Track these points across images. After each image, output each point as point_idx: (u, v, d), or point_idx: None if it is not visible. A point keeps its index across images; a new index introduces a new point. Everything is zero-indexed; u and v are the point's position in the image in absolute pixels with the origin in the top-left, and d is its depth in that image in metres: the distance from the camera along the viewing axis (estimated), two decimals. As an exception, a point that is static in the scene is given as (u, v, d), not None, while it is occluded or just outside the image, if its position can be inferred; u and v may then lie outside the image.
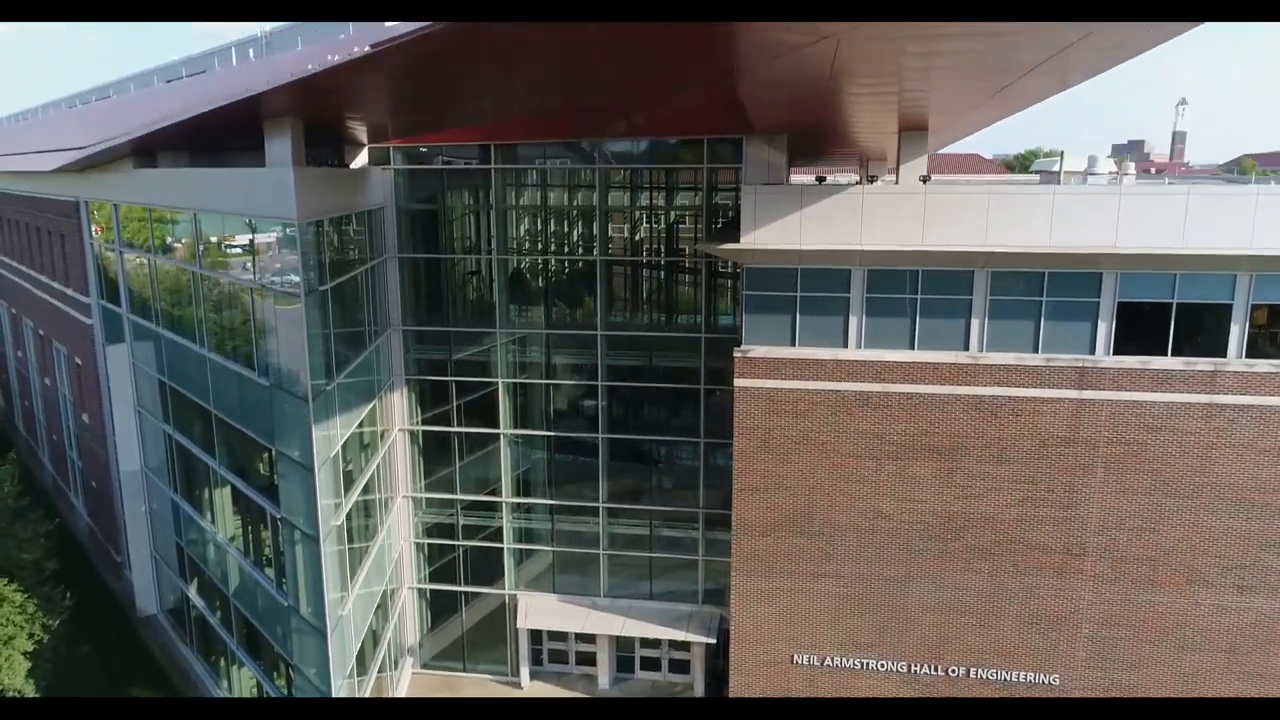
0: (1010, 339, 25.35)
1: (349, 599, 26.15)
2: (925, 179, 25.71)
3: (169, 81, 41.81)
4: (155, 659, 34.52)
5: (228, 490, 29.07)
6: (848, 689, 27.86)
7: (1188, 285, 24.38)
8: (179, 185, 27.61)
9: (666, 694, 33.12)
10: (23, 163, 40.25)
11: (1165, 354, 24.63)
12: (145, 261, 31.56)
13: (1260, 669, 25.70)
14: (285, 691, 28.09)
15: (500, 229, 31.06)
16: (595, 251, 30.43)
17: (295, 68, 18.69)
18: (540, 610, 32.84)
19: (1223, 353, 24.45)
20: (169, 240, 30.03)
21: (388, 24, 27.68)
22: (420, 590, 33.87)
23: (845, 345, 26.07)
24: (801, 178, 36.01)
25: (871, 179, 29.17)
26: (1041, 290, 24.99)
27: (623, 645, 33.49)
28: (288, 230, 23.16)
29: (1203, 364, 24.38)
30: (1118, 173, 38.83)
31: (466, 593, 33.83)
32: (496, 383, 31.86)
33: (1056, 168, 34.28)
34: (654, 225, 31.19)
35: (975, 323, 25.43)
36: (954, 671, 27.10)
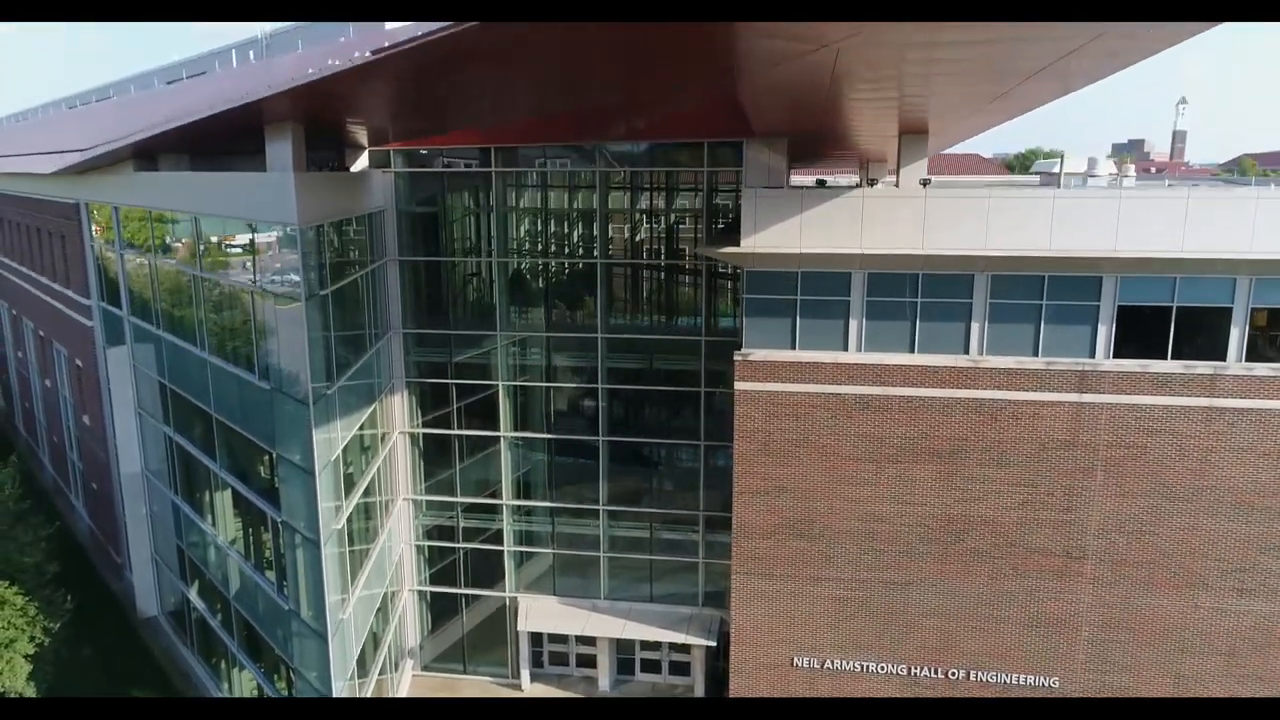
0: (1010, 342, 25.38)
1: (349, 602, 26.18)
2: (925, 182, 25.73)
3: (169, 83, 41.84)
4: (156, 661, 34.55)
5: (228, 493, 29.10)
6: (848, 692, 27.89)
7: (1187, 289, 24.42)
8: (180, 189, 27.63)
9: (667, 696, 33.15)
10: (23, 164, 40.25)
11: (1165, 357, 24.68)
12: (146, 264, 31.58)
13: (1259, 672, 25.74)
14: (286, 694, 28.13)
15: (500, 231, 31.09)
16: (595, 254, 30.45)
17: (296, 72, 18.70)
18: (541, 612, 32.87)
19: (1222, 356, 24.49)
20: (169, 240, 30.06)
21: (388, 25, 27.66)
22: (421, 592, 33.90)
23: (845, 348, 26.10)
24: (801, 179, 36.04)
25: (872, 182, 29.17)
26: (1041, 294, 25.02)
27: (623, 647, 33.52)
28: (288, 229, 23.17)
29: (1202, 367, 24.42)
30: (1118, 175, 38.76)
31: (467, 595, 33.86)
32: (497, 385, 31.89)
33: (1056, 169, 34.23)
34: (654, 227, 31.20)
35: (975, 326, 25.47)
36: (954, 674, 27.14)
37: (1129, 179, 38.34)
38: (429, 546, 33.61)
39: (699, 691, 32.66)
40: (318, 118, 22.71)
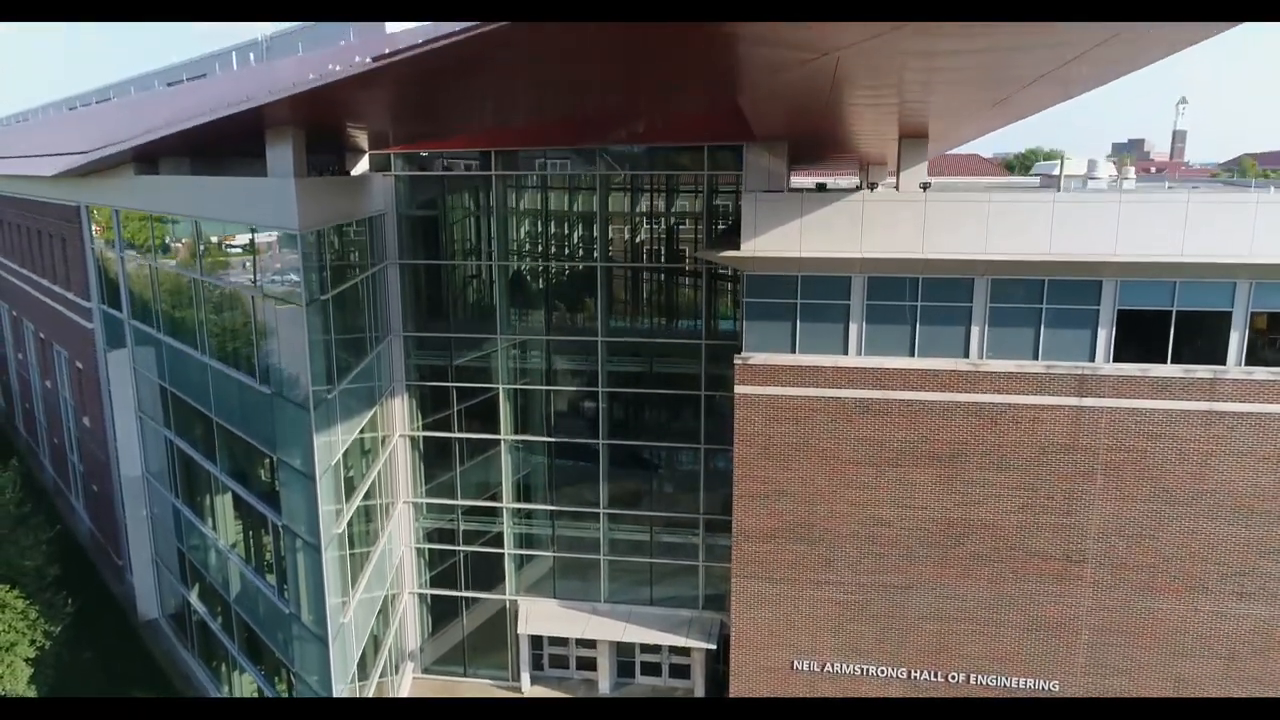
0: (1010, 346, 25.40)
1: (350, 606, 26.20)
2: (925, 186, 25.74)
3: (169, 85, 41.82)
4: (157, 664, 34.58)
5: (229, 496, 29.12)
6: (848, 695, 27.90)
7: (1187, 293, 24.44)
8: (180, 193, 27.66)
9: (666, 697, 33.17)
10: (24, 166, 40.30)
11: (1165, 361, 24.70)
12: (146, 267, 31.60)
13: (1259, 675, 25.75)
14: (287, 697, 28.14)
15: (501, 235, 31.11)
16: (596, 257, 30.47)
17: (297, 77, 18.71)
18: (541, 615, 32.89)
19: (1222, 360, 24.51)
20: (168, 241, 30.09)
21: (388, 29, 27.69)
22: (421, 595, 33.92)
23: (845, 352, 26.12)
24: (801, 180, 36.06)
25: (872, 186, 29.16)
26: (1041, 297, 25.04)
27: (623, 650, 33.54)
28: (289, 233, 23.18)
29: (1202, 371, 24.43)
30: (1118, 177, 38.78)
31: (467, 598, 33.88)
32: (497, 388, 31.91)
33: (1056, 171, 34.25)
34: (654, 230, 31.22)
35: (975, 330, 25.49)
36: (954, 678, 27.16)
37: (1129, 181, 38.38)
38: (429, 549, 33.63)
39: (699, 694, 32.68)
40: (318, 122, 22.72)
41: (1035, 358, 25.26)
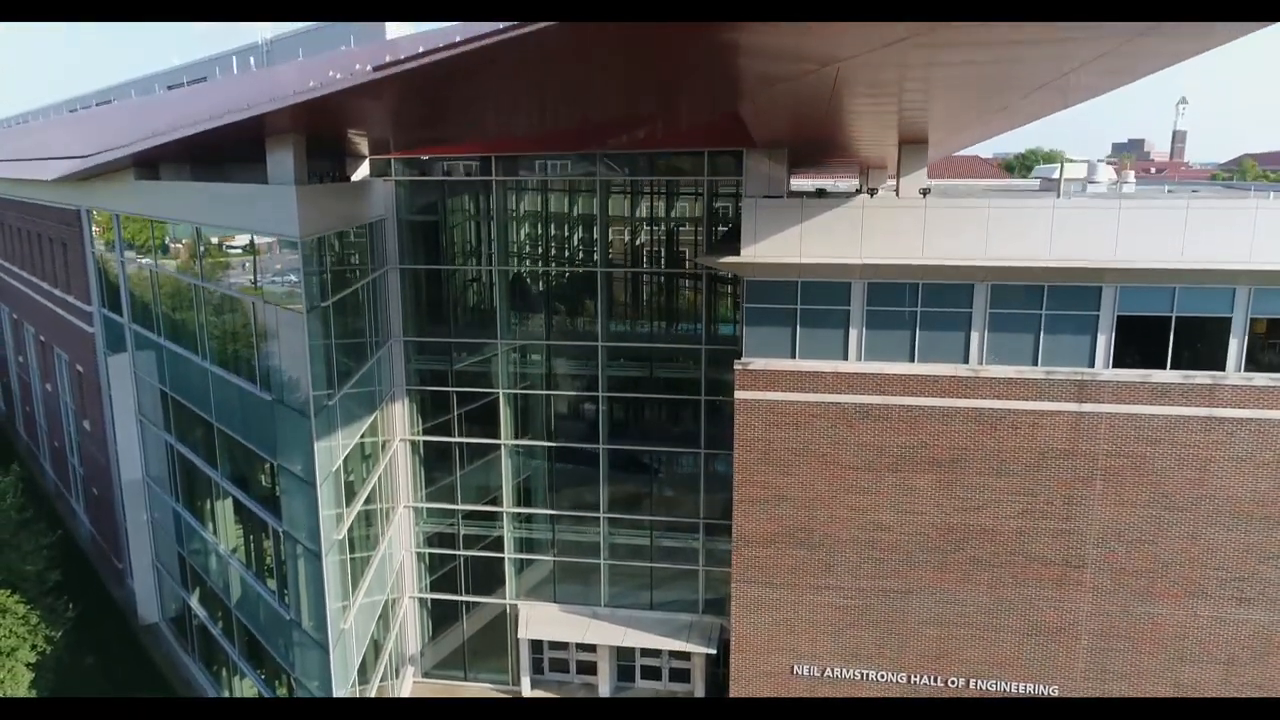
0: (1010, 352, 25.42)
1: (351, 611, 26.23)
2: (925, 191, 25.78)
3: (170, 87, 41.87)
4: (157, 668, 34.62)
5: (229, 502, 29.15)
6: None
7: (1187, 298, 24.45)
8: (181, 198, 27.68)
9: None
10: (24, 170, 40.30)
11: (1164, 367, 24.71)
12: (147, 272, 31.64)
13: (1258, 681, 25.78)
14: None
15: (501, 239, 31.14)
16: (596, 262, 30.50)
17: (298, 84, 18.74)
18: (541, 620, 32.92)
19: (1221, 366, 24.52)
20: (168, 241, 30.14)
21: (388, 34, 27.66)
22: (421, 599, 33.96)
23: (845, 358, 26.14)
24: (801, 182, 36.09)
25: (872, 191, 29.17)
26: (1041, 303, 25.05)
27: (623, 654, 33.56)
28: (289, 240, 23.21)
29: (1201, 377, 24.45)
30: (1118, 181, 38.84)
31: (467, 602, 33.92)
32: (497, 393, 31.94)
33: (1056, 174, 34.28)
34: (654, 234, 31.25)
35: (975, 335, 25.50)
36: (954, 683, 27.19)
37: (1129, 185, 38.43)
38: (429, 554, 33.66)
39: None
40: (319, 130, 22.74)
41: (1035, 363, 25.28)
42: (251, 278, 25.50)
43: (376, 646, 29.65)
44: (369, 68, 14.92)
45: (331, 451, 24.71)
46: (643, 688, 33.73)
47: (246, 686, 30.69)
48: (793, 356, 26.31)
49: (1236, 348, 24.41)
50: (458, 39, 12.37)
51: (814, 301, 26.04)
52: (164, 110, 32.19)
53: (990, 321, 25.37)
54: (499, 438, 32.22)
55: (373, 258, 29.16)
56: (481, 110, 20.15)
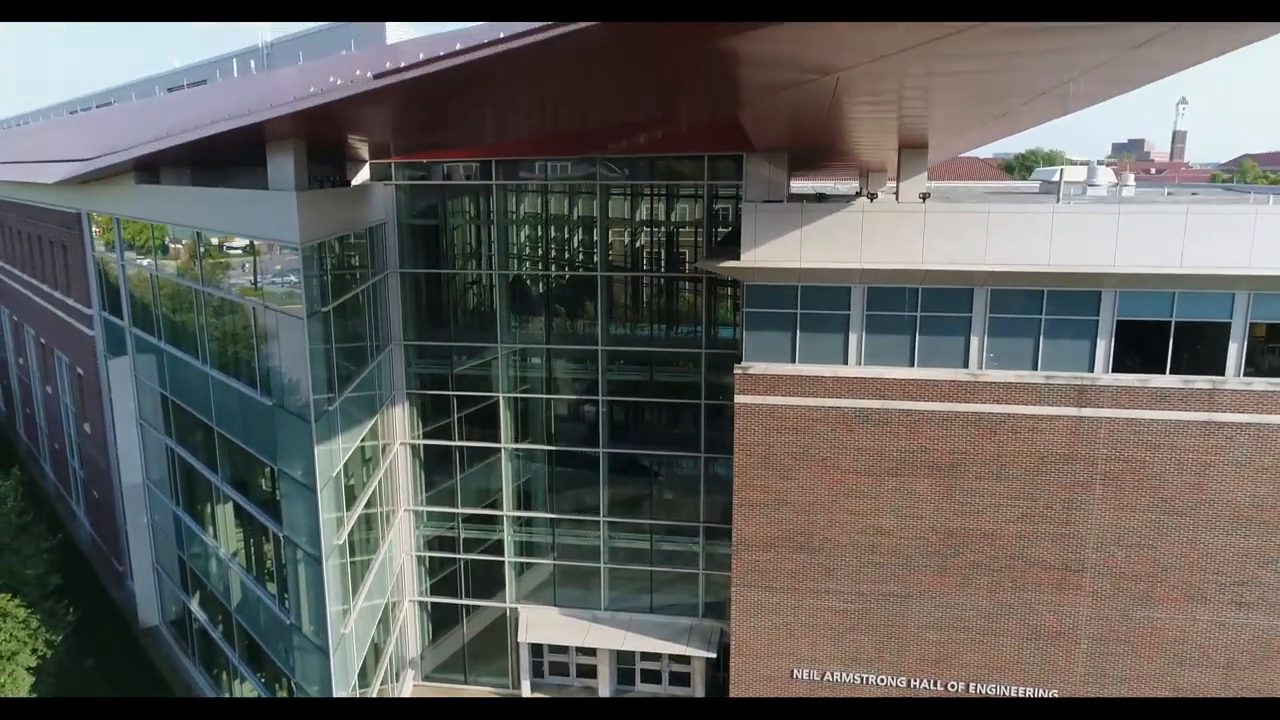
0: (1010, 356, 25.44)
1: (351, 615, 26.25)
2: (925, 196, 25.80)
3: (170, 90, 41.85)
4: (158, 671, 34.64)
5: (229, 506, 29.17)
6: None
7: (1186, 304, 24.48)
8: (181, 203, 27.69)
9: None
10: (25, 172, 40.32)
11: (1164, 372, 24.74)
12: (147, 275, 31.65)
13: (1258, 685, 25.81)
14: (287, 706, 28.20)
15: (501, 243, 31.16)
16: (596, 266, 30.52)
17: (298, 88, 18.77)
18: (541, 623, 32.95)
19: (1221, 371, 24.55)
20: (168, 241, 30.15)
21: (389, 37, 27.58)
22: (421, 603, 33.97)
23: (845, 362, 26.16)
24: (800, 185, 36.11)
25: (871, 196, 29.23)
26: (1041, 308, 25.08)
27: (623, 658, 33.58)
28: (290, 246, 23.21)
29: (1201, 382, 24.48)
30: (1118, 184, 38.89)
31: (467, 605, 33.94)
32: (497, 396, 31.96)
33: (1056, 177, 34.33)
34: (654, 238, 31.27)
35: (975, 340, 25.52)
36: (953, 687, 27.21)
37: (1128, 188, 38.48)
38: (430, 557, 33.69)
39: (699, 701, 32.74)
40: (319, 136, 22.76)
41: (1035, 368, 25.30)
42: (252, 278, 25.51)
43: (377, 650, 29.67)
44: (369, 74, 14.93)
45: (332, 456, 24.73)
46: (643, 691, 33.75)
47: (247, 690, 30.71)
48: (793, 361, 26.34)
49: (1236, 352, 24.44)
50: (458, 45, 12.40)
51: (814, 306, 26.07)
52: (164, 113, 32.24)
53: (990, 326, 25.40)
54: (499, 441, 32.24)
55: (373, 262, 29.18)
56: (483, 114, 20.17)
